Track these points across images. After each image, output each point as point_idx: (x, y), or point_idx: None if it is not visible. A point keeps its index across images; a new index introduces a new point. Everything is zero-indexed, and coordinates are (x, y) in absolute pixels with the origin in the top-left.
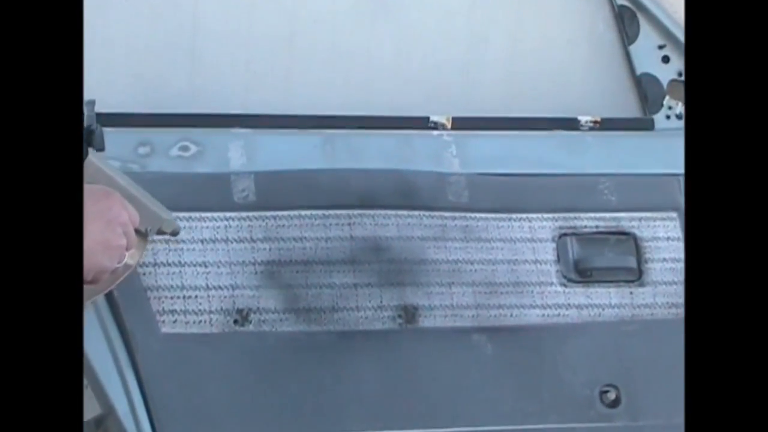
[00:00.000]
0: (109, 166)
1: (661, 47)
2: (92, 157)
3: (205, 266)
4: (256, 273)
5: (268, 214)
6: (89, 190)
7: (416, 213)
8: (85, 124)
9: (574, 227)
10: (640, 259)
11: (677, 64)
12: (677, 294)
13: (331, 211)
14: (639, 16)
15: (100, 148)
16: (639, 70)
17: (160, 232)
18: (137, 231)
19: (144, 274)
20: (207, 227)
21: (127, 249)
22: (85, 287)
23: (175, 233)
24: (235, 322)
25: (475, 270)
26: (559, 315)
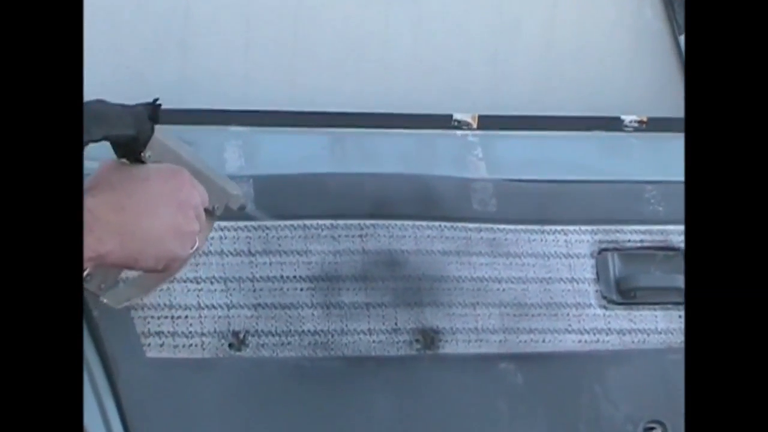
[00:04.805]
0: (173, 140)
1: None
2: (158, 134)
3: (197, 282)
4: (254, 290)
5: (269, 223)
6: (156, 170)
7: (437, 224)
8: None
9: (616, 241)
10: None
11: None
12: None
13: (341, 221)
14: None
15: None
16: None
17: (226, 209)
18: (205, 210)
19: None
20: None
21: (198, 233)
22: (154, 275)
23: (242, 209)
24: (231, 346)
25: (503, 289)
26: (598, 341)
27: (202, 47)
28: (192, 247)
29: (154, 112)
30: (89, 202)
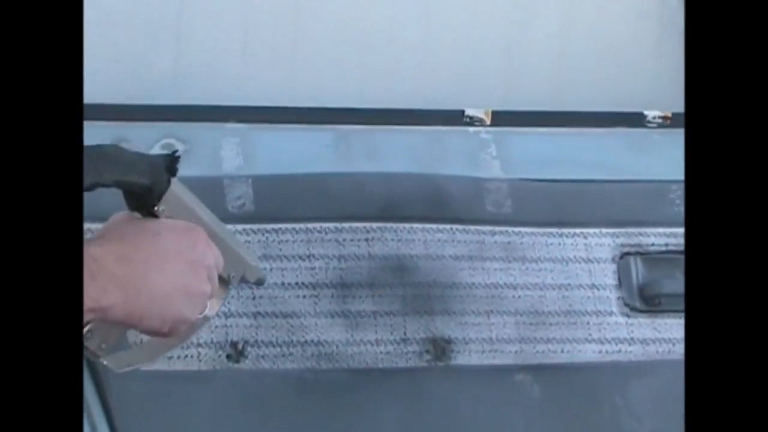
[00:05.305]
0: (191, 197)
1: None
2: (174, 188)
3: None
4: (253, 298)
5: (269, 227)
6: (170, 225)
7: (448, 227)
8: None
9: (639, 245)
10: None
11: None
12: None
13: (346, 224)
14: None
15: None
16: None
17: (242, 280)
18: (219, 277)
19: None
20: None
21: (210, 297)
22: (159, 341)
23: (260, 283)
24: (229, 357)
25: (519, 296)
26: (620, 351)
27: (198, 39)
28: (201, 312)
29: (172, 164)
30: (95, 251)
